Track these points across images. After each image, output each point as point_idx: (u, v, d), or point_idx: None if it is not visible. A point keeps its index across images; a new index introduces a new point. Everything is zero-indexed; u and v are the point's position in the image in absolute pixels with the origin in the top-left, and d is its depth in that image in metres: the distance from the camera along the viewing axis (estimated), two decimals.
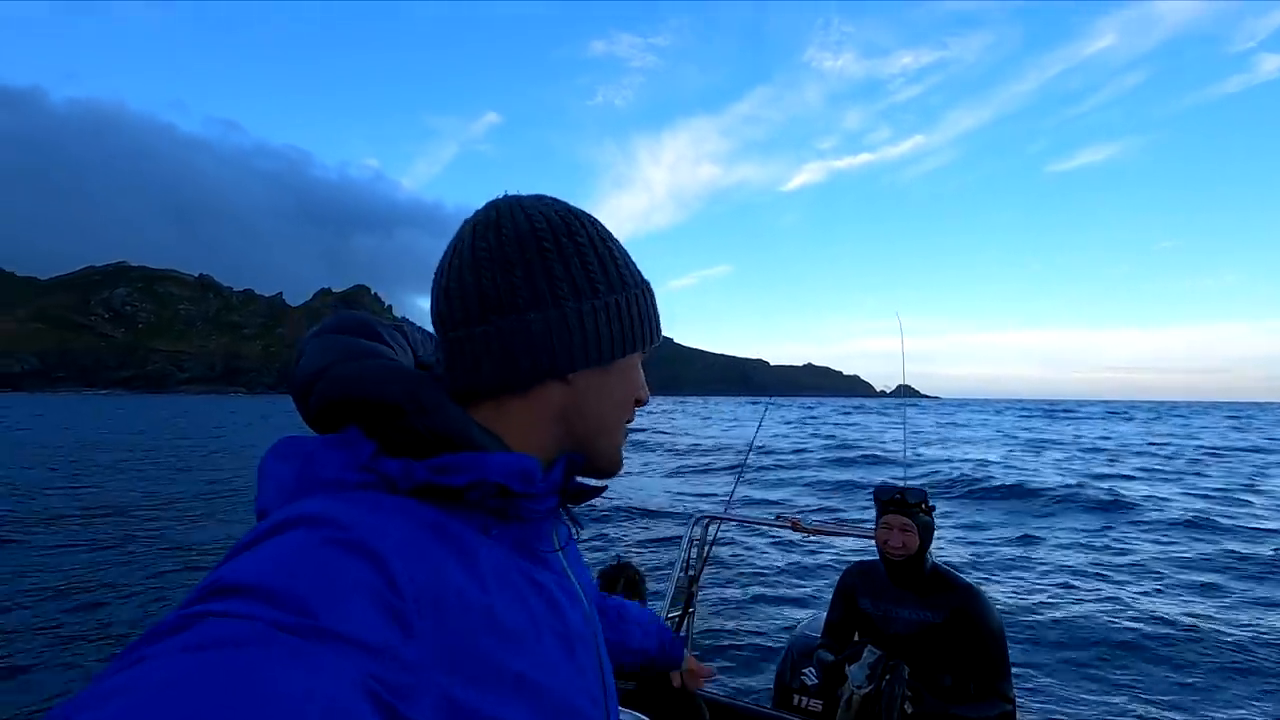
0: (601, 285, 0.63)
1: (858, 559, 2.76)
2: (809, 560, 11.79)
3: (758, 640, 7.20)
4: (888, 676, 2.27)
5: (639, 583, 2.61)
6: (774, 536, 13.79)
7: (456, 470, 0.55)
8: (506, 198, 0.66)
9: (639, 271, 0.68)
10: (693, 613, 3.34)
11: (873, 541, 2.55)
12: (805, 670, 2.76)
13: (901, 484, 2.50)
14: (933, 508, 2.47)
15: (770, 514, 3.57)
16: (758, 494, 17.07)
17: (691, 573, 3.34)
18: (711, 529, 3.54)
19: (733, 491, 3.80)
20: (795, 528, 3.26)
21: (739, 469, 4.47)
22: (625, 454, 0.71)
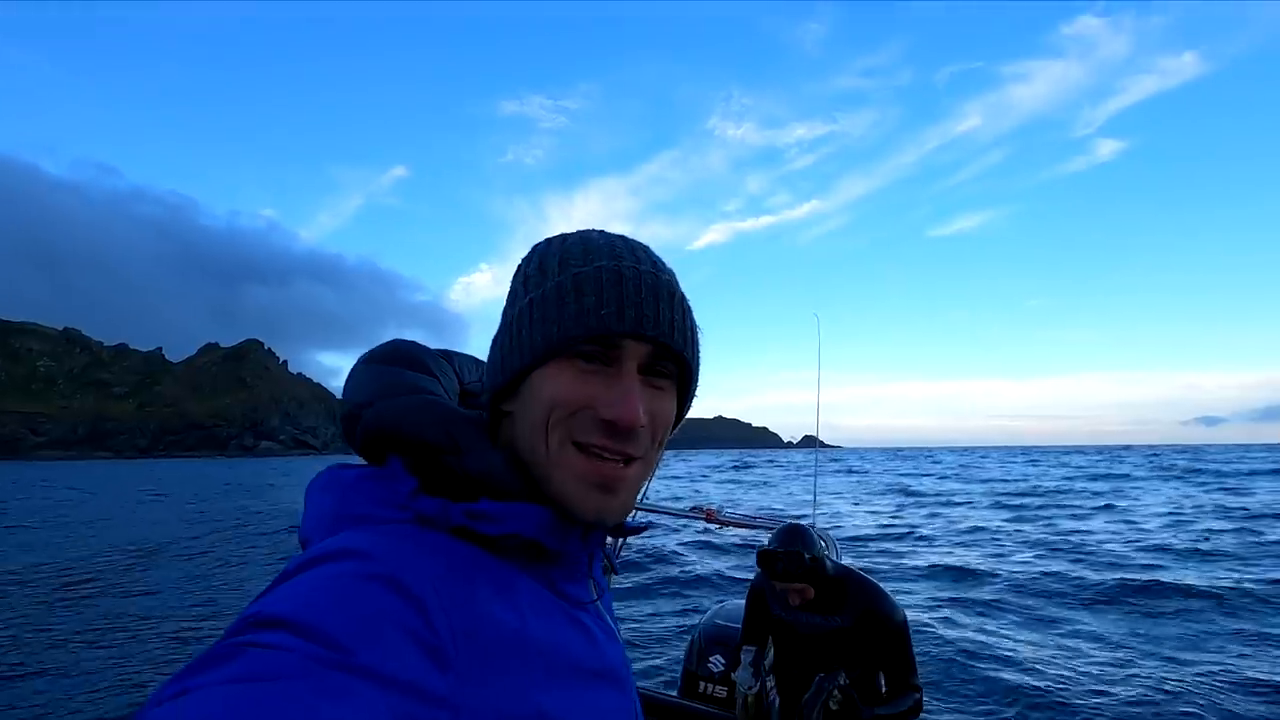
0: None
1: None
2: (720, 550, 12.37)
3: (669, 630, 7.30)
4: (821, 675, 2.22)
5: None
6: (688, 528, 13.99)
7: (491, 519, 0.55)
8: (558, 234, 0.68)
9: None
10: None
11: None
12: (712, 658, 2.93)
13: (780, 549, 2.35)
14: (816, 559, 2.34)
15: (685, 506, 3.61)
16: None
17: (605, 563, 3.24)
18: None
19: (647, 483, 3.47)
20: (709, 519, 3.25)
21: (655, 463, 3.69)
22: None
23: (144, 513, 24.63)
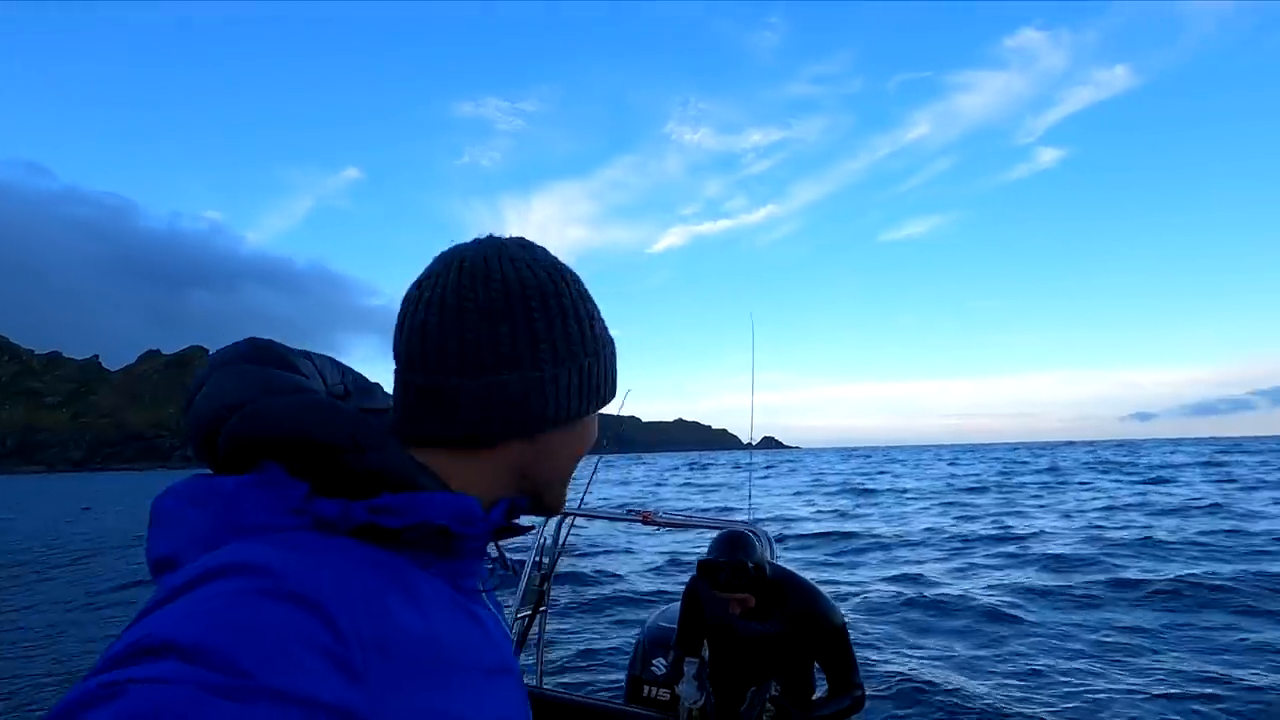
0: (578, 350, 0.63)
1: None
2: (664, 552, 12.05)
3: (612, 636, 7.03)
4: (754, 687, 2.20)
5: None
6: (630, 532, 13.76)
7: (397, 511, 0.53)
8: (493, 241, 0.63)
9: (607, 329, 0.68)
10: (545, 612, 3.34)
11: None
12: (655, 661, 2.92)
13: (723, 559, 2.28)
14: (758, 566, 2.27)
15: (620, 508, 3.62)
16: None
17: (543, 571, 3.32)
18: (565, 526, 3.49)
19: (586, 485, 3.69)
20: (646, 521, 3.23)
21: (595, 463, 4.22)
22: None
23: (67, 529, 23.42)
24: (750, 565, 2.22)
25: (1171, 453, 73.43)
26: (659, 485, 40.49)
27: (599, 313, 0.67)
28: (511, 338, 0.59)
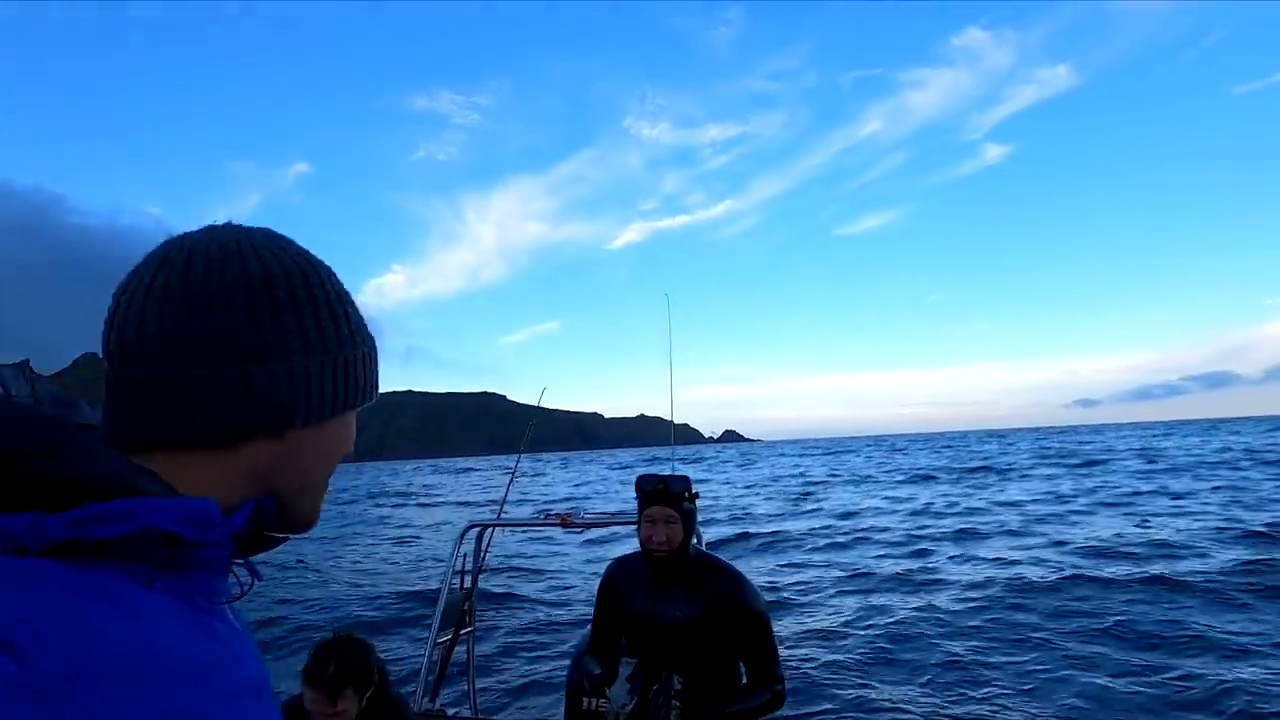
0: (333, 344, 0.58)
1: (620, 554, 2.62)
2: (597, 558, 11.49)
3: (549, 652, 6.61)
4: (655, 686, 2.15)
5: (368, 671, 2.11)
6: (556, 539, 13.38)
7: (110, 519, 0.46)
8: (232, 228, 0.57)
9: (367, 327, 0.63)
10: (472, 632, 3.25)
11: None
12: (591, 669, 2.65)
13: (665, 472, 2.34)
14: (696, 495, 2.32)
15: (538, 513, 3.58)
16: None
17: (465, 590, 3.15)
18: (485, 538, 3.36)
19: (504, 496, 3.57)
20: (564, 524, 3.15)
21: (512, 472, 3.72)
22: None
23: None
24: (687, 491, 2.28)
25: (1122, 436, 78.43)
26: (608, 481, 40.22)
27: (357, 310, 0.62)
28: (254, 326, 0.53)
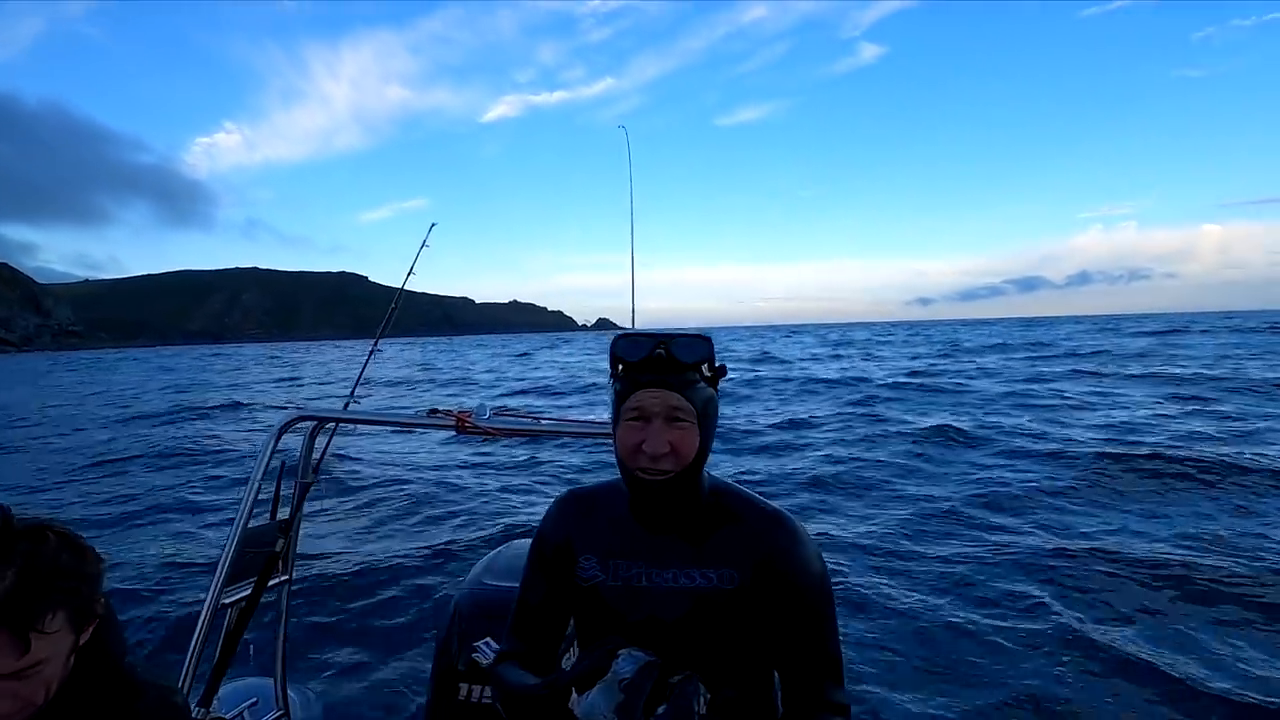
0: None
1: (571, 484, 1.55)
2: (489, 481, 8.15)
3: (402, 608, 4.62)
4: (663, 704, 0.94)
5: (87, 584, 0.94)
6: (449, 460, 9.17)
7: None
8: None
9: None
10: (287, 583, 2.13)
11: (610, 444, 1.18)
12: (478, 643, 1.57)
13: (668, 330, 1.13)
14: (723, 370, 1.17)
15: (419, 412, 2.00)
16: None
17: (280, 521, 2.03)
18: (319, 442, 2.09)
19: (353, 389, 2.22)
20: (462, 427, 1.91)
21: (369, 355, 2.36)
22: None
23: None
24: (708, 362, 1.15)
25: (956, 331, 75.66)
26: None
27: None
28: None
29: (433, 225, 2.47)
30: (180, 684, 1.65)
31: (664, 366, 1.10)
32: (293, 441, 2.01)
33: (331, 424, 2.08)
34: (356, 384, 2.24)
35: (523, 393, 21.79)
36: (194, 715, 1.44)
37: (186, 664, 1.73)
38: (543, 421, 2.03)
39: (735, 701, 1.11)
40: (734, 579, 1.14)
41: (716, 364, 1.15)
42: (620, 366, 1.13)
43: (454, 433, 1.93)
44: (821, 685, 1.12)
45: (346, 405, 2.11)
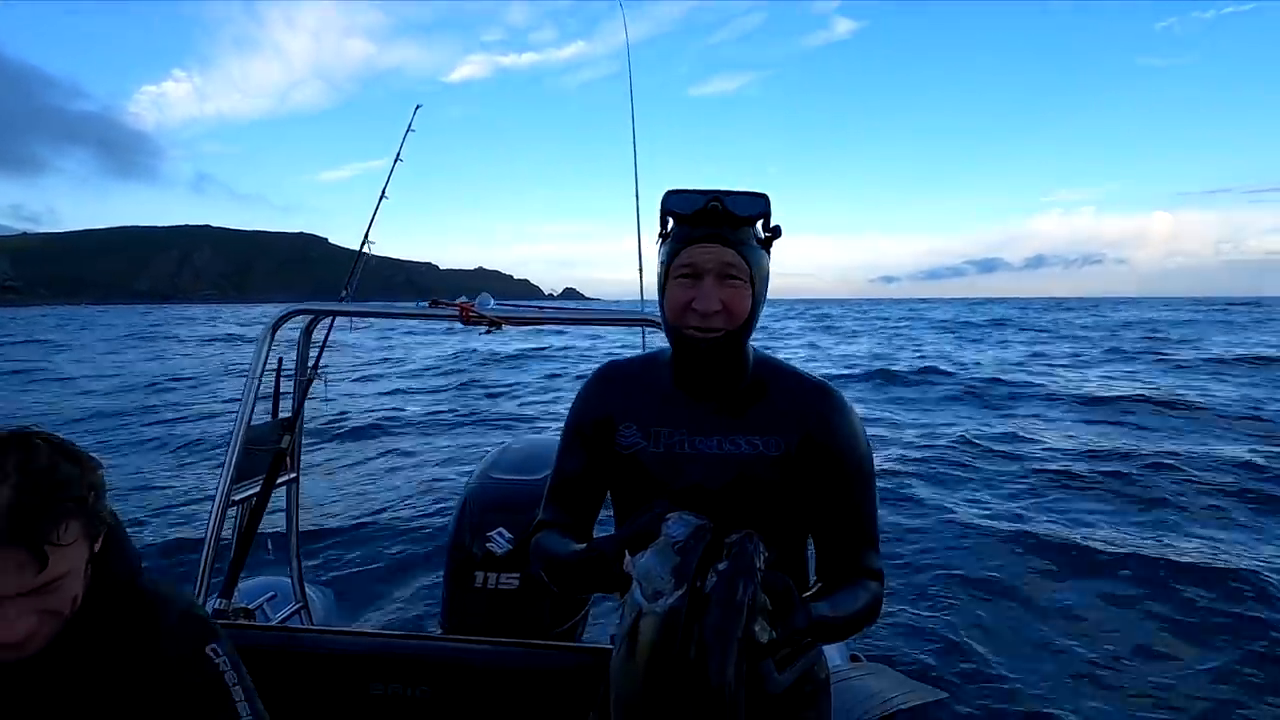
0: None
1: (601, 359, 1.46)
2: (500, 375, 8.35)
3: (413, 501, 4.53)
4: (721, 564, 0.84)
5: (93, 492, 0.85)
6: (455, 354, 9.42)
7: None
8: None
9: None
10: (295, 482, 2.13)
11: (630, 331, 1.36)
12: (491, 533, 1.78)
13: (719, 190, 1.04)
14: (778, 230, 1.11)
15: (419, 304, 2.06)
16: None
17: (285, 418, 2.01)
18: (319, 334, 2.11)
19: (344, 287, 2.17)
20: (466, 317, 1.89)
21: (358, 257, 2.20)
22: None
23: None
24: (766, 218, 1.09)
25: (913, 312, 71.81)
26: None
27: None
28: None
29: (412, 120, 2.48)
30: (197, 580, 1.73)
31: (719, 219, 1.08)
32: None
33: (330, 317, 2.15)
34: (347, 283, 2.23)
35: (497, 362, 17.36)
36: (215, 605, 1.76)
37: (203, 559, 1.76)
38: (546, 311, 2.16)
39: (776, 564, 1.04)
40: (780, 446, 1.14)
41: (773, 225, 1.13)
42: (670, 222, 1.12)
43: (460, 323, 1.95)
44: (859, 551, 1.15)
45: (342, 297, 2.17)
